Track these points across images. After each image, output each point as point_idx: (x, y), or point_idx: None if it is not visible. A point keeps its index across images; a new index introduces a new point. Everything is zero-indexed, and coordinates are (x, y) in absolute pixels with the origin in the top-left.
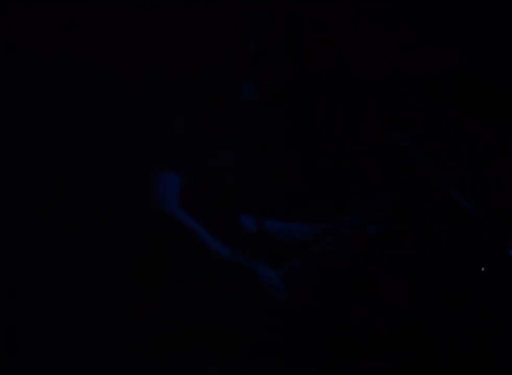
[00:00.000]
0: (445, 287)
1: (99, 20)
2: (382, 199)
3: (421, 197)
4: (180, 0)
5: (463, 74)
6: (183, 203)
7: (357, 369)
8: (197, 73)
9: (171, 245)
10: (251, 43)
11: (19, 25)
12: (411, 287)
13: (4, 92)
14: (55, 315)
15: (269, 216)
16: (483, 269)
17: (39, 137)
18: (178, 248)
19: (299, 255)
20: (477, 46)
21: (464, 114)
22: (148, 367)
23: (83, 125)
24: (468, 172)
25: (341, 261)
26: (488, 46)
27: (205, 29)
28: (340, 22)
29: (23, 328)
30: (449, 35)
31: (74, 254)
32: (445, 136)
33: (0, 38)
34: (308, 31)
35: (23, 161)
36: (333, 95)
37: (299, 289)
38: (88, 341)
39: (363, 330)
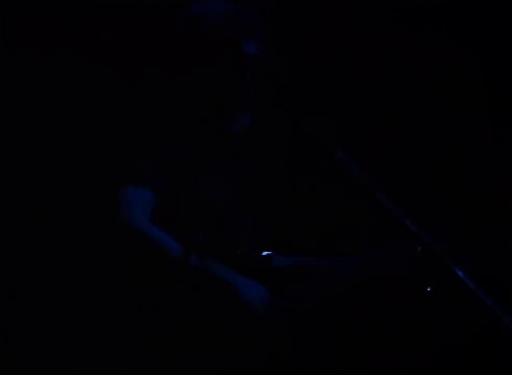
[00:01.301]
0: (444, 289)
1: (99, 20)
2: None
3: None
4: (181, 0)
5: (463, 74)
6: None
7: (357, 369)
8: (197, 73)
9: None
10: (251, 43)
11: (19, 25)
12: (411, 287)
13: (4, 92)
14: (54, 315)
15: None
16: (428, 289)
17: (38, 137)
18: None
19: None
20: (477, 46)
21: (464, 114)
22: (148, 367)
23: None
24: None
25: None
26: (488, 46)
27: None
28: (340, 22)
29: (23, 328)
30: (449, 35)
31: (73, 254)
32: (445, 136)
33: (0, 38)
34: (308, 31)
35: (21, 160)
36: (333, 95)
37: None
38: (88, 341)
39: (363, 330)
